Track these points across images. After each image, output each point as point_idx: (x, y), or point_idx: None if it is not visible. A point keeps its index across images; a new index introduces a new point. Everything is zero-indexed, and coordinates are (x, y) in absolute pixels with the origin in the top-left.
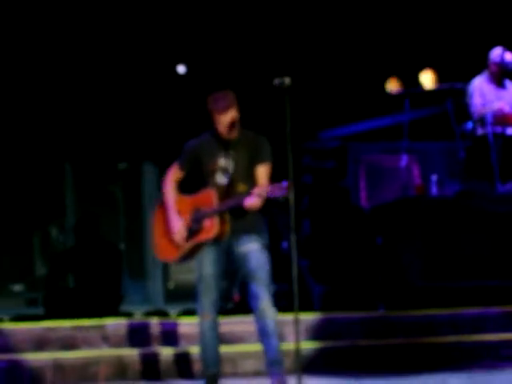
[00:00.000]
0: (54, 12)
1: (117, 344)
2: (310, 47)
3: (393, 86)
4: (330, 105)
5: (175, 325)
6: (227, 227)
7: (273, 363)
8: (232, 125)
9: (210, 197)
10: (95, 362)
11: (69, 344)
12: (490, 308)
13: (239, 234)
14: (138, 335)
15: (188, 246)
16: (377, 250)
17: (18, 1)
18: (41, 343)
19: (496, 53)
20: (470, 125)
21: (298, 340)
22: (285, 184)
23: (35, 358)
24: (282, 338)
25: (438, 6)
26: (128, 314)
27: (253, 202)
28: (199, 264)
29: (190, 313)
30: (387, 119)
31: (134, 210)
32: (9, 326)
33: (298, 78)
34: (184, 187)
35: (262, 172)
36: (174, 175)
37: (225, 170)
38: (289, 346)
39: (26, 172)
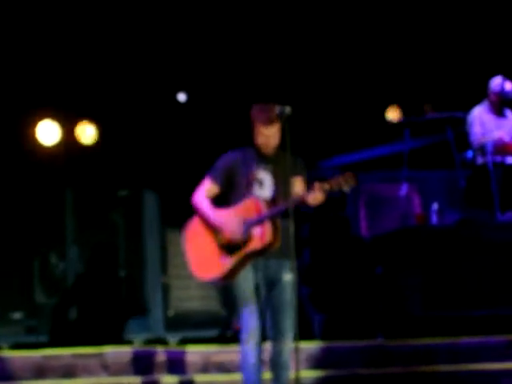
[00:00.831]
0: (46, 32)
1: (116, 372)
2: (310, 76)
3: (393, 114)
4: (329, 134)
5: (176, 353)
6: (279, 236)
7: None
8: (274, 139)
9: (255, 204)
10: None
11: (68, 372)
12: (489, 337)
13: (280, 258)
14: (137, 363)
15: (237, 258)
16: (377, 280)
17: None
18: (40, 371)
19: (496, 82)
20: (470, 154)
21: (298, 369)
22: (350, 173)
23: None
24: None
25: (439, 35)
26: (128, 342)
27: (318, 196)
28: (242, 281)
29: (190, 341)
30: (387, 148)
31: (135, 237)
32: (8, 353)
33: (298, 107)
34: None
35: (300, 184)
36: (207, 191)
37: (263, 183)
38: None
39: (25, 198)
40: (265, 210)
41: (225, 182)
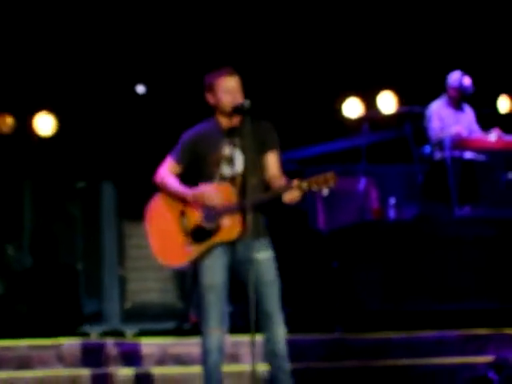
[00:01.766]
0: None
1: (72, 364)
2: (268, 68)
3: (351, 108)
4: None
5: (132, 345)
6: (248, 228)
7: None
8: (239, 93)
9: (226, 191)
10: (50, 381)
11: (24, 363)
12: (446, 331)
13: (251, 238)
14: (94, 355)
15: (202, 247)
16: (334, 274)
17: None
18: None
19: (454, 77)
20: (428, 148)
21: (254, 361)
22: (331, 173)
23: None
24: (237, 359)
25: (397, 29)
26: (84, 334)
27: (294, 196)
28: (207, 270)
29: (146, 333)
30: (345, 142)
31: (92, 230)
32: None
33: (255, 100)
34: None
35: (274, 160)
36: (169, 171)
37: (230, 160)
38: (245, 367)
39: None
40: (236, 199)
41: (188, 160)
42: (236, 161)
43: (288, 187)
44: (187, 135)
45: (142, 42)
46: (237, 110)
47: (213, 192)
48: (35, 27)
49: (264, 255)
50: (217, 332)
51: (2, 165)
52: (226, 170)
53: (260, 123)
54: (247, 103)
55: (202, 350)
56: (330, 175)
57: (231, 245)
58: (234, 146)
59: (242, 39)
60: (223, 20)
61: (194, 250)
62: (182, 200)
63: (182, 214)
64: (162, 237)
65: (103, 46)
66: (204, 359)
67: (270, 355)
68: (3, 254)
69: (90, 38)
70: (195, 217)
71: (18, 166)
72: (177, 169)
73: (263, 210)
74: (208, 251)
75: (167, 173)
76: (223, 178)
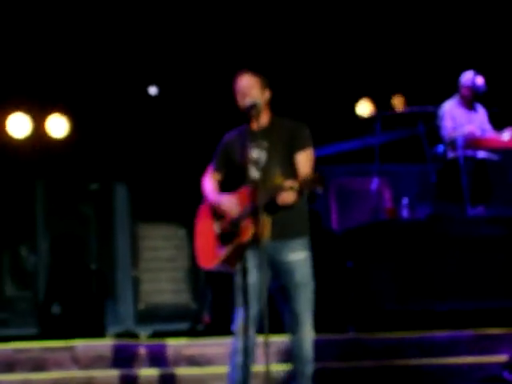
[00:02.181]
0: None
1: (87, 366)
2: (281, 70)
3: (364, 108)
4: None
5: (146, 346)
6: (265, 228)
7: None
8: (248, 90)
9: (246, 194)
10: (65, 383)
11: (38, 365)
12: (461, 331)
13: (282, 239)
14: (108, 357)
15: (228, 249)
16: (348, 273)
17: None
18: (10, 364)
19: (467, 77)
20: (441, 148)
21: (268, 362)
22: (317, 175)
23: (4, 379)
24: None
25: (410, 29)
26: (98, 336)
27: (284, 197)
28: (239, 272)
29: (160, 334)
30: (358, 142)
31: (105, 231)
32: None
33: (271, 100)
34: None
35: (302, 160)
36: (211, 177)
37: (257, 163)
38: (259, 368)
39: None
40: (254, 200)
41: (224, 166)
42: (263, 163)
43: (280, 188)
44: (221, 143)
45: (155, 43)
46: (248, 110)
47: (231, 202)
48: (49, 29)
49: (294, 256)
50: (245, 333)
51: (16, 166)
52: (253, 173)
53: (291, 123)
54: (256, 101)
55: (231, 350)
56: (315, 177)
57: (262, 246)
58: (260, 148)
59: (256, 40)
60: (239, 21)
61: (222, 253)
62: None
63: (218, 218)
64: (202, 239)
65: (117, 48)
66: (230, 359)
67: (294, 358)
68: (16, 255)
69: (104, 40)
70: (225, 220)
71: (31, 167)
72: (216, 176)
73: (299, 210)
74: (238, 254)
75: (207, 179)
76: (251, 182)
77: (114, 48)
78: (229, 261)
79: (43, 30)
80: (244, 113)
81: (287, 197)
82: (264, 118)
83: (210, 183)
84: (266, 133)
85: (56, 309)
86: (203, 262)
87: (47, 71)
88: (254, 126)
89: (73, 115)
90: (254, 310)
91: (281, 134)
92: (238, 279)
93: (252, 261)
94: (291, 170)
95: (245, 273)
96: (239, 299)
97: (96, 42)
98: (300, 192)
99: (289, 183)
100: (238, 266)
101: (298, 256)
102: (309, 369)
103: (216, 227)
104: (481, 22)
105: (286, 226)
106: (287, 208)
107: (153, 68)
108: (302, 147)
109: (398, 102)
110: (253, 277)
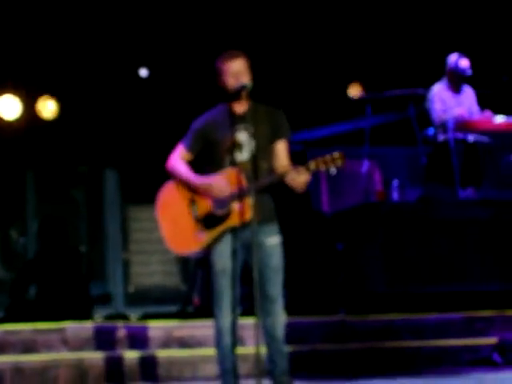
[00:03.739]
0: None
1: (77, 347)
2: (271, 51)
3: (354, 90)
4: (290, 109)
5: (136, 328)
6: (257, 211)
7: (281, 374)
8: (244, 75)
9: (233, 176)
10: (55, 365)
11: (28, 347)
12: (450, 313)
13: (261, 222)
14: (98, 339)
15: (214, 233)
16: (338, 255)
17: None
18: (0, 346)
19: (451, 59)
20: (431, 131)
21: (258, 344)
22: (339, 153)
23: None
24: (241, 341)
25: (398, 11)
26: (88, 318)
27: (303, 178)
28: (218, 256)
29: (150, 316)
30: (348, 124)
31: (95, 213)
32: None
33: (260, 82)
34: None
35: (283, 148)
36: (180, 157)
37: (241, 146)
38: (249, 350)
39: None
40: (245, 183)
41: (199, 147)
42: (247, 146)
43: (294, 170)
44: (198, 122)
45: (144, 25)
46: (238, 91)
47: (221, 183)
48: (38, 12)
49: (272, 240)
50: (229, 315)
51: (6, 148)
52: (236, 156)
53: (273, 110)
54: (249, 85)
55: (215, 333)
56: (337, 154)
57: (240, 230)
58: (245, 131)
59: (246, 21)
60: (228, 2)
61: (206, 237)
62: (192, 188)
63: (193, 201)
64: (174, 225)
65: (105, 30)
66: (217, 342)
67: (269, 339)
68: (7, 238)
69: (92, 22)
70: (206, 204)
71: (21, 150)
72: (188, 156)
73: (271, 195)
74: (219, 237)
75: (178, 160)
76: (234, 164)
77: (103, 30)
78: (211, 245)
79: (33, 13)
80: (229, 94)
81: (303, 178)
82: (245, 102)
83: (182, 164)
84: (249, 116)
85: None
86: (179, 248)
87: (37, 53)
88: (237, 108)
89: (63, 97)
90: (235, 293)
91: (264, 119)
92: (223, 261)
93: (230, 244)
94: (270, 157)
95: (225, 257)
96: (225, 281)
97: (85, 24)
98: (315, 171)
99: (304, 165)
100: (216, 251)
101: (275, 240)
102: (284, 348)
103: (194, 210)
104: (470, 3)
105: (264, 209)
106: (268, 192)
107: (143, 50)
108: (284, 136)
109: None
110: (233, 260)
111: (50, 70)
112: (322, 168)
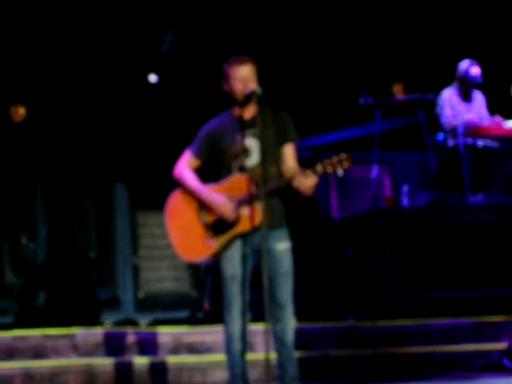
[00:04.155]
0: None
1: (86, 353)
2: (281, 56)
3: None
4: (299, 115)
5: (146, 334)
6: (267, 215)
7: (291, 379)
8: (251, 81)
9: (242, 182)
10: (64, 371)
11: (38, 353)
12: (460, 319)
13: (271, 227)
14: (108, 344)
15: (223, 240)
16: (347, 261)
17: None
18: (10, 352)
19: (462, 66)
20: (440, 136)
21: (267, 350)
22: (345, 154)
23: (4, 366)
24: (251, 347)
25: (408, 17)
26: (98, 323)
27: (311, 182)
28: (227, 262)
29: (160, 322)
30: (358, 129)
31: (105, 219)
32: None
33: (269, 87)
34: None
35: (291, 152)
36: (187, 164)
37: (249, 152)
38: (259, 355)
39: None
40: (253, 188)
41: (206, 154)
42: (255, 152)
43: (302, 173)
44: (205, 129)
45: (151, 32)
46: (248, 97)
47: (227, 206)
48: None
49: (281, 246)
50: (239, 321)
51: (16, 154)
52: (244, 162)
53: (279, 114)
54: (259, 90)
55: (225, 339)
56: (344, 156)
57: (250, 235)
58: (253, 136)
59: (256, 27)
60: (237, 10)
61: (216, 243)
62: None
63: (201, 208)
64: (183, 232)
65: (113, 37)
66: (227, 348)
67: (279, 345)
68: (16, 243)
69: (102, 27)
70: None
71: (32, 155)
72: (195, 163)
73: (280, 200)
74: (228, 243)
75: (185, 168)
76: (242, 170)
77: (111, 37)
78: (221, 251)
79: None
80: (235, 99)
81: (311, 181)
82: (253, 107)
83: (189, 171)
84: (257, 122)
85: None
86: (189, 255)
87: (46, 63)
88: (244, 113)
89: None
90: (245, 299)
91: (271, 124)
92: (233, 267)
93: (239, 250)
94: (278, 162)
95: (234, 263)
96: (235, 287)
97: (95, 29)
98: (322, 174)
99: (311, 168)
100: (223, 256)
101: (285, 245)
102: (294, 354)
103: (202, 217)
104: (481, 8)
105: (274, 215)
106: (277, 198)
107: (151, 57)
108: (292, 139)
109: (397, 90)
110: (242, 267)
111: (59, 79)
112: (329, 170)
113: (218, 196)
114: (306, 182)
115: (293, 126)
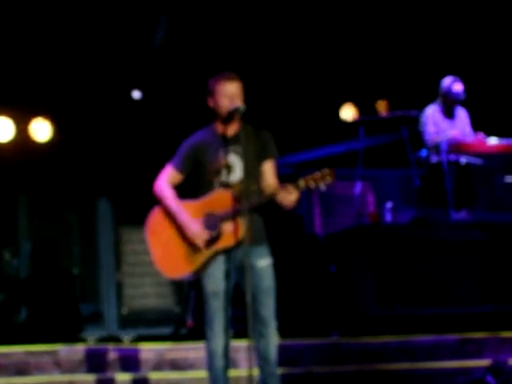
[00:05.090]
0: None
1: (69, 370)
2: (263, 73)
3: (347, 113)
4: (282, 131)
5: (129, 350)
6: (249, 230)
7: None
8: (238, 98)
9: (224, 198)
10: None
11: (21, 370)
12: (443, 335)
13: (253, 243)
14: (91, 361)
15: (205, 255)
16: (331, 278)
17: None
18: None
19: (445, 83)
20: (424, 152)
21: (251, 366)
22: (328, 169)
23: None
24: (234, 363)
25: (391, 34)
26: (81, 340)
27: (293, 197)
28: (209, 278)
29: (143, 338)
30: (341, 146)
31: (88, 235)
32: None
33: (251, 103)
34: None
35: (271, 168)
36: (169, 179)
37: (231, 168)
38: (241, 372)
39: None
40: (236, 204)
41: (189, 168)
42: (236, 168)
43: (284, 188)
44: (187, 144)
45: (138, 47)
46: (232, 113)
47: (197, 232)
48: (34, 33)
49: (263, 262)
50: (221, 338)
51: None
52: (225, 178)
53: (260, 131)
54: (242, 107)
55: (207, 355)
56: (326, 171)
57: (231, 251)
58: (234, 153)
59: (238, 44)
60: (222, 25)
61: (198, 259)
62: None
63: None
64: (164, 249)
65: (97, 52)
66: (209, 364)
67: (262, 361)
68: None
69: (89, 45)
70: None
71: (15, 172)
72: (177, 178)
73: (261, 216)
74: (210, 259)
75: (165, 185)
76: (223, 185)
77: (95, 53)
78: (203, 267)
79: (28, 33)
80: (218, 115)
81: (293, 196)
82: (236, 124)
83: (169, 189)
84: (239, 138)
85: None
86: (171, 272)
87: (31, 75)
88: (227, 130)
89: (56, 119)
90: (228, 315)
91: (252, 140)
92: (215, 284)
93: (221, 266)
94: (258, 178)
95: (217, 279)
96: (217, 303)
97: (79, 47)
98: (305, 189)
99: (292, 184)
100: (207, 273)
101: (267, 262)
102: (277, 370)
103: (184, 233)
104: (465, 25)
105: (255, 231)
106: (258, 214)
107: (136, 72)
108: (272, 156)
109: (381, 107)
110: (224, 283)
111: (44, 92)
112: (312, 185)
113: (191, 223)
114: (289, 197)
115: (273, 143)
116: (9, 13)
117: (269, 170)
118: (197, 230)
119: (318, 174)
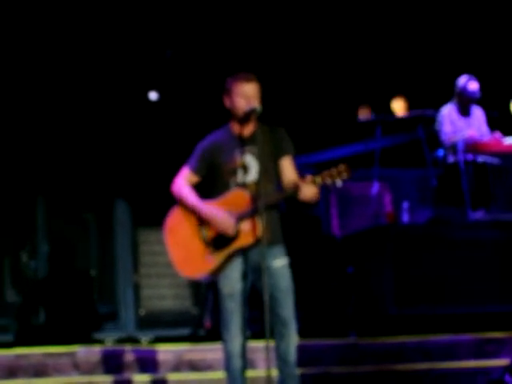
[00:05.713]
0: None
1: (87, 371)
2: (281, 74)
3: (364, 113)
4: (300, 132)
5: (147, 352)
6: (267, 229)
7: None
8: (255, 99)
9: (241, 197)
10: None
11: (40, 371)
12: (461, 335)
13: (270, 244)
14: (109, 362)
15: (223, 255)
16: (348, 278)
17: None
18: (11, 371)
19: (460, 82)
20: (441, 152)
21: (269, 367)
22: (344, 165)
23: None
24: (252, 364)
25: (408, 33)
26: (99, 341)
27: (311, 192)
28: (226, 279)
29: (161, 340)
30: (358, 146)
31: (106, 236)
32: None
33: (269, 105)
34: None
35: (289, 165)
36: (186, 180)
37: (247, 168)
38: (259, 373)
39: None
40: (253, 203)
41: (205, 169)
42: (252, 168)
43: (301, 184)
44: (203, 144)
45: (155, 51)
46: (248, 114)
47: (227, 220)
48: (47, 33)
49: (280, 262)
50: (238, 339)
51: (16, 169)
52: (241, 178)
53: (275, 129)
54: (259, 109)
55: (224, 357)
56: (342, 167)
57: (247, 252)
58: (250, 153)
59: (257, 45)
60: (239, 25)
61: (216, 259)
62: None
63: (201, 224)
64: (182, 249)
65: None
66: (227, 365)
67: (281, 362)
68: (17, 261)
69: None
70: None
71: (32, 171)
72: (193, 178)
73: (278, 216)
74: (228, 259)
75: (183, 184)
76: (239, 186)
77: (115, 55)
78: (220, 268)
79: (41, 36)
80: (234, 115)
81: (311, 191)
82: (252, 125)
83: (187, 187)
84: (255, 139)
85: None
86: (188, 271)
87: (45, 75)
88: (243, 130)
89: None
90: (244, 316)
91: (267, 140)
92: (231, 285)
93: (237, 267)
94: (276, 176)
95: (233, 280)
96: (233, 304)
97: (97, 49)
98: (321, 185)
99: (310, 177)
100: (222, 273)
101: (283, 262)
102: (296, 371)
103: (202, 233)
104: (481, 24)
105: (272, 231)
106: (275, 214)
107: (153, 74)
108: (287, 153)
109: (399, 107)
110: (241, 284)
111: (61, 93)
112: (328, 181)
113: (218, 211)
114: (309, 191)
115: (288, 140)
116: (22, 17)
117: (287, 166)
118: (225, 216)
119: (334, 170)
